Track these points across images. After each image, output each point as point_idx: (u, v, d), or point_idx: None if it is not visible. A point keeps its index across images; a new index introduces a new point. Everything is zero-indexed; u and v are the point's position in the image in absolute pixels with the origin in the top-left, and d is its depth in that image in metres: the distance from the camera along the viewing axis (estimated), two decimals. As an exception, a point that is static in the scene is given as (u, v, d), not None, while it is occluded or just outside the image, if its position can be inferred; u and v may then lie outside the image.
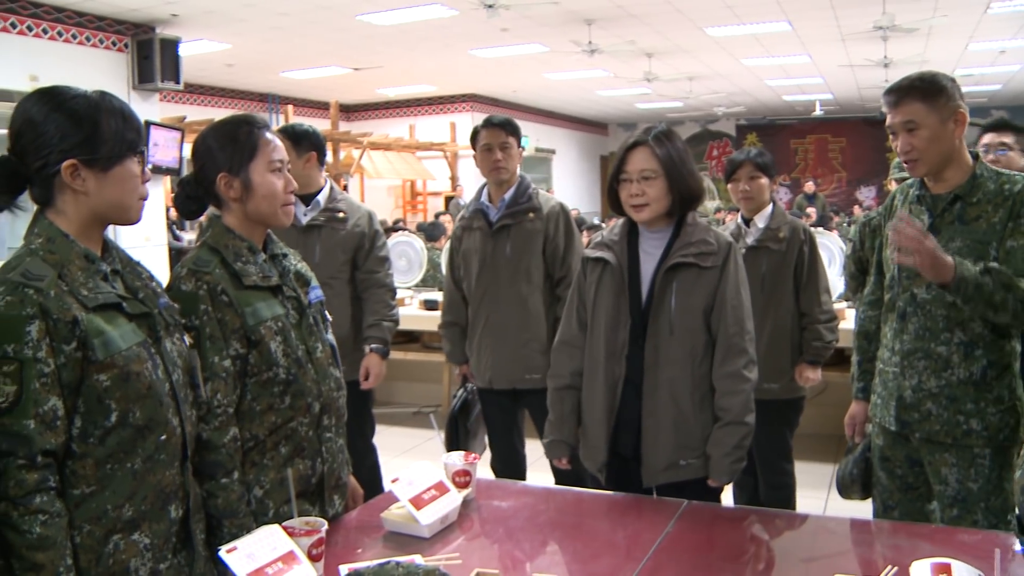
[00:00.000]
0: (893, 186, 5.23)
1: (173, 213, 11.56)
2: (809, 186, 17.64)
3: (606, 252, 2.58)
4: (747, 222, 3.74)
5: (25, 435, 1.55)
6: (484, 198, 3.76)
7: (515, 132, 3.69)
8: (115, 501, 1.66)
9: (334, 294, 3.64)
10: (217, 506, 1.93)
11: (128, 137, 1.73)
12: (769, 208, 3.72)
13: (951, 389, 2.45)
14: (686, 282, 2.48)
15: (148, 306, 1.78)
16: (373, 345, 3.73)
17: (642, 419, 2.48)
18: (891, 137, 2.54)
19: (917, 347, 2.51)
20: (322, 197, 3.75)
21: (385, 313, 3.79)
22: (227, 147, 2.10)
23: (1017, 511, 1.61)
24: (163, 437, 1.73)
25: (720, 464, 2.45)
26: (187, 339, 1.91)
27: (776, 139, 21.65)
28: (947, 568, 1.66)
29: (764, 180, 3.71)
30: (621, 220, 2.65)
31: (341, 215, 3.74)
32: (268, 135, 2.14)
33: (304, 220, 3.68)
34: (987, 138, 3.88)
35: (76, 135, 1.67)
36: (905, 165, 2.53)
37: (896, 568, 1.79)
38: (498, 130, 3.67)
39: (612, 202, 2.61)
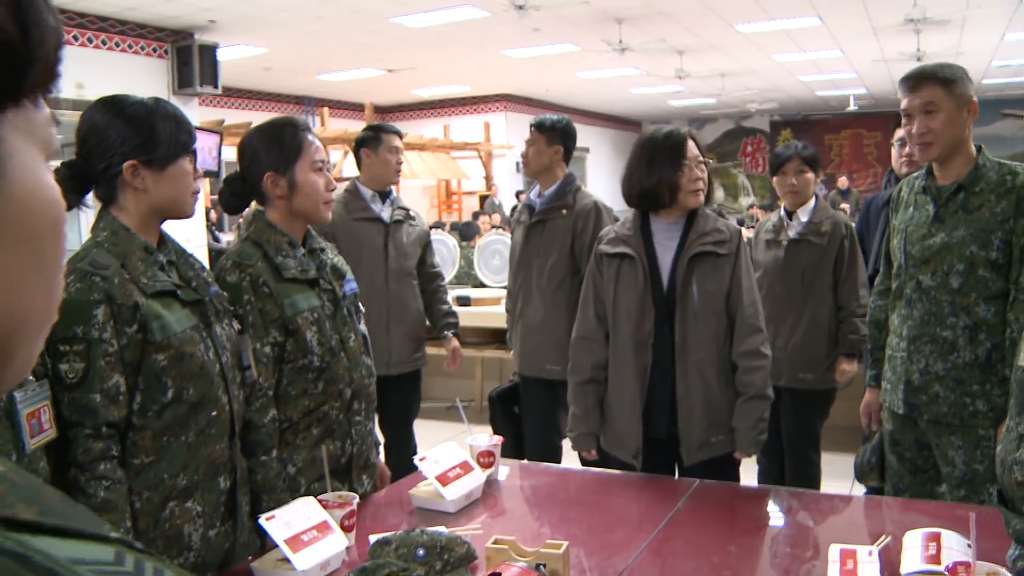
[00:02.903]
0: None
1: (213, 215, 11.83)
2: (843, 181, 17.57)
3: (625, 247, 2.69)
4: (789, 215, 3.82)
5: (92, 407, 1.73)
6: (534, 193, 3.94)
7: (544, 129, 3.83)
8: (171, 471, 1.83)
9: (415, 284, 4.02)
10: (257, 481, 2.09)
11: (181, 139, 1.91)
12: (812, 202, 3.80)
13: (957, 371, 2.54)
14: (706, 269, 2.62)
15: (200, 294, 1.95)
16: (454, 330, 4.12)
17: (677, 401, 2.60)
18: (904, 122, 2.64)
19: (923, 332, 2.60)
20: (394, 195, 4.01)
21: (449, 302, 4.21)
22: (273, 148, 2.26)
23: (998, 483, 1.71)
24: (214, 413, 1.90)
25: (746, 437, 2.61)
26: (235, 325, 2.07)
27: (810, 134, 21.50)
28: (937, 537, 1.77)
29: (811, 174, 3.79)
30: (631, 214, 2.76)
31: (412, 212, 4.04)
32: (310, 136, 2.30)
33: (386, 215, 3.90)
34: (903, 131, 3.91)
35: (135, 138, 1.85)
36: (917, 149, 2.62)
37: (890, 538, 1.90)
38: (531, 127, 3.87)
39: (651, 196, 2.64)
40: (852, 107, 18.52)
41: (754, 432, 2.61)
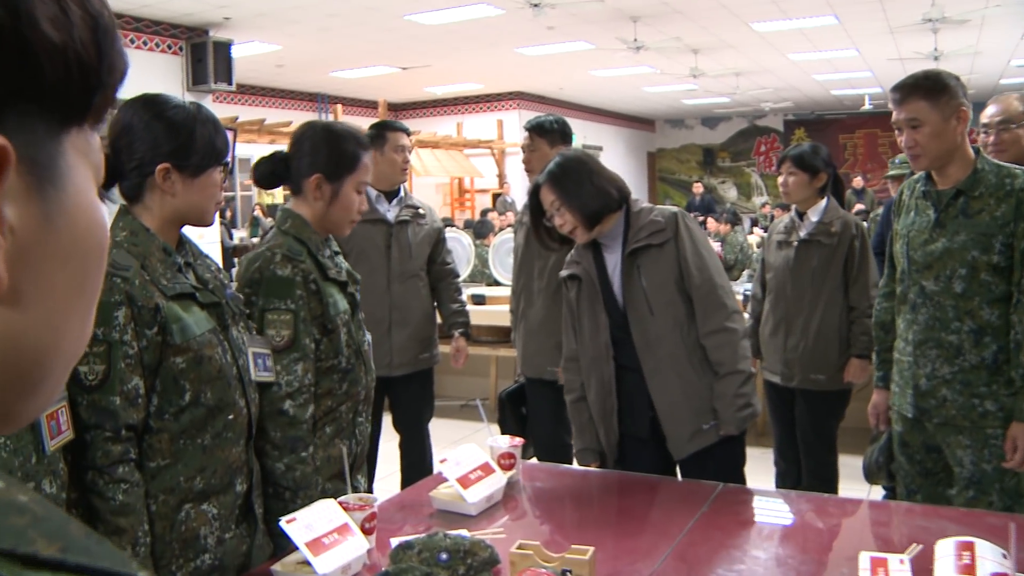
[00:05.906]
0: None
1: (228, 213, 11.87)
2: (858, 181, 17.44)
3: (575, 268, 2.72)
4: (800, 216, 3.79)
5: (112, 410, 1.70)
6: None
7: (543, 132, 3.80)
8: (187, 473, 1.81)
9: (423, 285, 3.95)
10: (295, 479, 2.08)
11: (217, 147, 1.89)
12: (823, 203, 3.76)
13: (964, 374, 2.54)
14: (649, 263, 2.60)
15: (217, 296, 1.93)
16: (461, 330, 4.07)
17: (653, 400, 2.59)
18: (896, 133, 2.62)
19: (929, 336, 2.60)
20: (403, 193, 3.95)
21: (461, 300, 4.12)
22: (333, 155, 2.25)
23: None
24: (231, 417, 1.88)
25: (726, 413, 2.56)
26: (252, 326, 2.06)
27: (824, 134, 21.40)
28: (970, 546, 1.73)
29: (802, 177, 3.74)
30: None
31: (421, 211, 3.96)
32: (367, 158, 2.30)
33: (391, 215, 3.85)
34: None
35: (172, 142, 1.82)
36: (908, 159, 2.61)
37: (921, 546, 1.86)
38: (527, 132, 3.84)
39: (544, 235, 2.77)
40: (867, 106, 18.43)
41: (732, 408, 2.55)
